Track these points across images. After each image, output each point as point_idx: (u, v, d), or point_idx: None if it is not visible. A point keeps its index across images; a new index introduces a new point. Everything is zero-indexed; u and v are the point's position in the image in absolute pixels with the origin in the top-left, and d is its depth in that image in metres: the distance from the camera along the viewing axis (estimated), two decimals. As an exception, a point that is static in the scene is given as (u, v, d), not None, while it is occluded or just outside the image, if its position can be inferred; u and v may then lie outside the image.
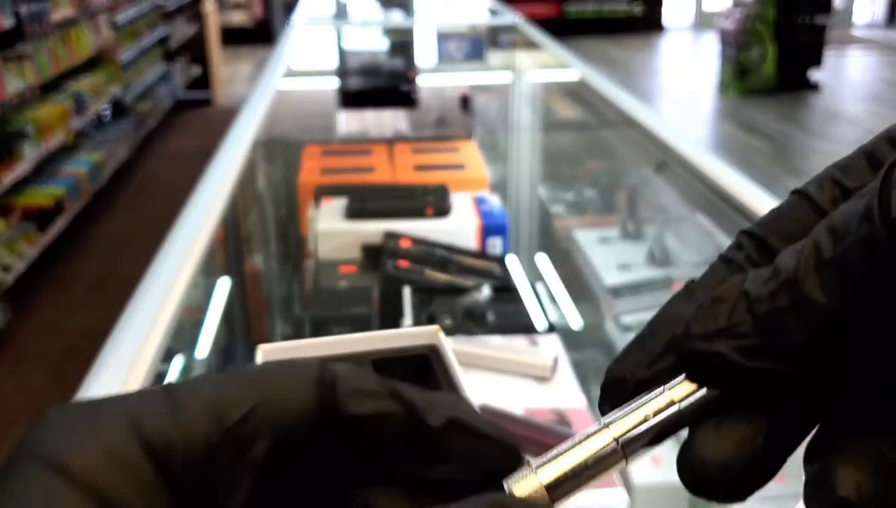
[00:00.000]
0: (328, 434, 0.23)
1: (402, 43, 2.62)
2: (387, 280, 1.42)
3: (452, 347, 0.66)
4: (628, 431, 0.24)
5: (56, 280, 3.74)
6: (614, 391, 0.26)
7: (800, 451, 0.24)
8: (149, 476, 0.21)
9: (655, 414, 0.24)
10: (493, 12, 3.56)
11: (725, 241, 1.69)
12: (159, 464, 0.21)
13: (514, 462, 0.25)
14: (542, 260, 2.10)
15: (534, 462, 0.25)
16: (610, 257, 1.95)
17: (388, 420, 0.23)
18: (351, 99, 2.38)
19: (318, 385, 0.23)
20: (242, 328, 1.82)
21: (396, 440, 0.23)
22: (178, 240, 1.30)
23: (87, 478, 0.20)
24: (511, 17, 3.34)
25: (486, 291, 1.37)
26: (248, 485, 0.22)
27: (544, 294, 1.92)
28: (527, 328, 1.32)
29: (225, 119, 2.31)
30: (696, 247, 1.91)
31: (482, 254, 1.57)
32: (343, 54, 2.54)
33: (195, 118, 6.30)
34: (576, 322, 1.90)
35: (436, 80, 2.64)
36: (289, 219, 2.10)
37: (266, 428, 0.22)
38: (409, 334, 0.68)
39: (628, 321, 1.78)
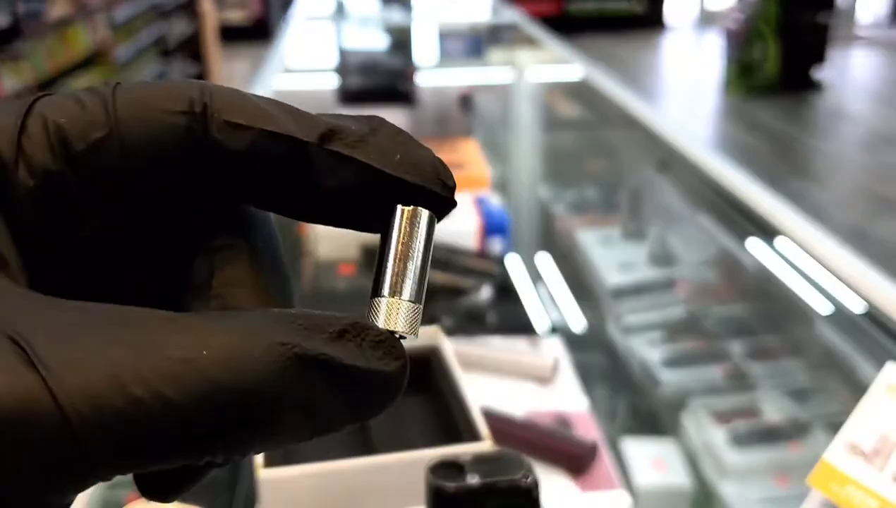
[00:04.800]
0: (195, 166, 0.21)
1: (401, 41, 2.60)
2: (385, 279, 1.40)
3: (452, 348, 0.64)
4: None
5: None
6: None
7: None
8: None
9: None
10: (494, 10, 3.55)
11: (728, 242, 1.67)
12: None
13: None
14: (543, 261, 2.08)
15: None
16: (611, 257, 1.93)
17: (262, 155, 0.21)
18: (350, 97, 2.36)
19: (189, 115, 0.20)
20: (239, 328, 1.80)
21: (274, 175, 0.22)
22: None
23: None
24: (512, 14, 3.32)
25: (486, 291, 1.35)
26: (99, 220, 0.21)
27: (545, 294, 1.90)
28: (527, 328, 1.30)
29: (222, 117, 2.29)
30: (699, 248, 1.89)
31: (482, 254, 1.55)
32: (342, 52, 2.52)
33: (194, 117, 6.28)
34: (577, 323, 1.88)
35: (436, 79, 2.62)
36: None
37: (118, 159, 0.20)
38: (408, 335, 0.66)
39: (630, 322, 1.76)
